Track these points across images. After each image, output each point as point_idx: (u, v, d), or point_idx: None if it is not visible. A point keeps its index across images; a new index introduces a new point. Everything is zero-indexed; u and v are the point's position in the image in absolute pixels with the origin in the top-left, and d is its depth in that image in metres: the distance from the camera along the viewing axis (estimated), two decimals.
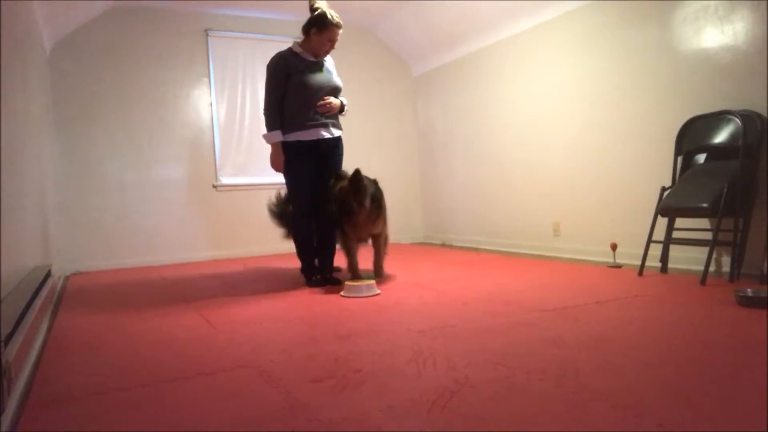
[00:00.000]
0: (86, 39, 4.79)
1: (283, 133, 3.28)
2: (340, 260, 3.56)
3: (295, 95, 3.24)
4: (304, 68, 3.26)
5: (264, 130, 3.33)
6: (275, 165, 3.32)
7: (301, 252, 3.43)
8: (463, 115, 5.41)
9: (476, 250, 5.11)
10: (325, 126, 3.31)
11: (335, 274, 3.51)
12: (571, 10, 4.12)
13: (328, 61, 3.43)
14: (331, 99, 3.29)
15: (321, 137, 3.29)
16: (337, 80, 3.40)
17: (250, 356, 1.92)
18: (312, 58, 3.32)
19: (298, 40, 3.37)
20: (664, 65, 3.47)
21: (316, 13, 3.23)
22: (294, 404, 1.45)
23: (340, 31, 3.28)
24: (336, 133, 3.38)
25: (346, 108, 3.45)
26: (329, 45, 3.29)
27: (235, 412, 1.42)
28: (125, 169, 4.94)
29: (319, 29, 3.23)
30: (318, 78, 3.28)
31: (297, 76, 3.24)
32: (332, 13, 3.23)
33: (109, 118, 4.88)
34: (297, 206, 3.37)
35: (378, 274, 3.47)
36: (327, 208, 3.23)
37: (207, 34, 5.23)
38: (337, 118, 3.42)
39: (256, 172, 5.38)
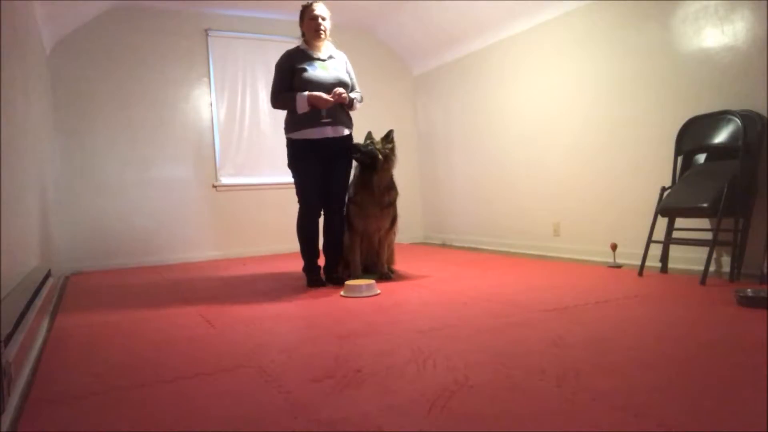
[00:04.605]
0: (86, 39, 4.79)
1: (290, 131, 3.30)
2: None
3: (300, 91, 3.24)
4: (307, 64, 3.26)
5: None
6: (325, 102, 3.17)
7: (305, 251, 3.43)
8: (464, 115, 5.41)
9: (476, 250, 5.11)
10: (332, 124, 3.27)
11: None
12: (571, 10, 4.12)
13: (339, 57, 3.41)
14: (339, 89, 3.22)
15: (327, 136, 3.27)
16: (343, 75, 3.34)
17: (250, 356, 1.92)
18: (317, 54, 3.32)
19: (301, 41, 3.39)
20: (664, 65, 3.47)
21: None
22: (294, 404, 1.45)
23: (320, 7, 3.29)
24: (344, 131, 3.34)
25: (355, 102, 3.38)
26: (315, 23, 3.27)
27: (235, 412, 1.42)
28: (125, 169, 4.94)
29: (302, 17, 3.33)
30: (321, 73, 3.27)
31: (300, 72, 3.24)
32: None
33: (109, 118, 4.88)
34: (303, 205, 3.36)
35: (382, 269, 3.48)
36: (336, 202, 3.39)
37: (207, 34, 5.23)
38: (346, 116, 3.38)
39: (256, 172, 5.39)
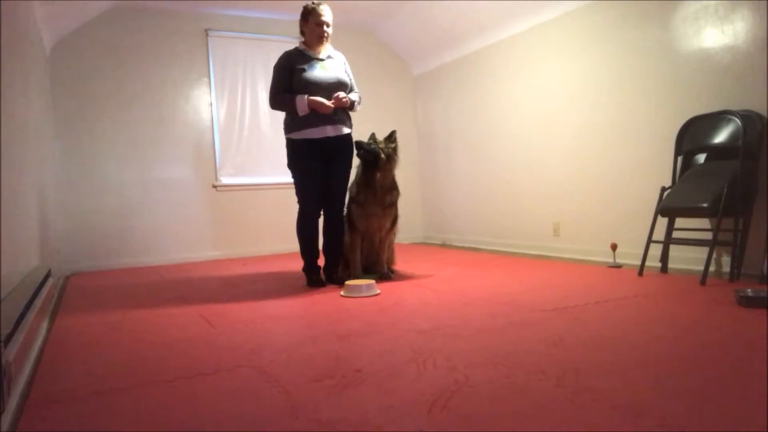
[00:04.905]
0: (86, 39, 4.79)
1: (290, 131, 3.30)
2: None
3: (299, 92, 3.24)
4: (306, 65, 3.25)
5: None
6: (326, 107, 3.16)
7: (305, 251, 3.42)
8: (463, 115, 5.41)
9: (476, 250, 5.11)
10: (332, 123, 3.26)
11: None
12: (571, 10, 4.12)
13: (337, 58, 3.40)
14: (341, 94, 3.23)
15: (327, 135, 3.27)
16: (342, 75, 3.34)
17: (250, 356, 1.92)
18: (316, 54, 3.31)
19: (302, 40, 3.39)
20: (664, 65, 3.47)
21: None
22: (294, 404, 1.45)
23: (326, 11, 3.27)
24: (344, 130, 3.34)
25: (356, 104, 3.38)
26: (319, 29, 3.26)
27: (235, 412, 1.42)
28: (125, 169, 4.94)
29: (305, 18, 3.30)
30: (320, 74, 3.26)
31: (299, 73, 3.24)
32: (313, 1, 3.28)
33: (109, 118, 4.88)
34: (303, 205, 3.36)
35: (382, 269, 3.49)
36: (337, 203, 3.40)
37: (207, 34, 5.23)
38: (346, 115, 3.38)
39: (256, 172, 5.39)
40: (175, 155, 5.12)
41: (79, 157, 4.78)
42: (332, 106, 3.18)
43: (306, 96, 3.18)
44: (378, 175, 3.37)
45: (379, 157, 3.37)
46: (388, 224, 3.49)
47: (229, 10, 5.22)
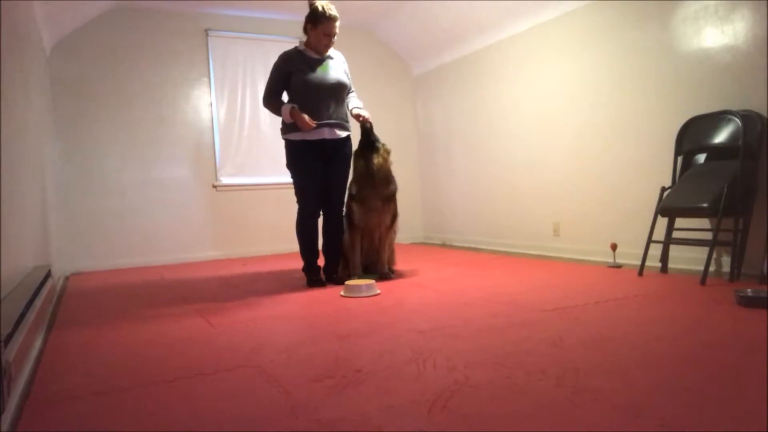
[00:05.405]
0: (86, 39, 4.79)
1: (288, 132, 3.30)
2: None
3: (298, 94, 3.25)
4: (305, 66, 3.25)
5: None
6: (305, 124, 3.17)
7: (305, 252, 3.43)
8: (463, 115, 5.41)
9: (476, 250, 5.11)
10: (329, 126, 3.28)
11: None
12: (571, 10, 4.12)
13: (337, 58, 3.40)
14: (363, 114, 3.31)
15: (324, 137, 3.28)
16: (342, 76, 3.34)
17: (250, 356, 1.92)
18: (316, 56, 3.31)
19: (303, 40, 3.38)
20: (664, 65, 3.47)
21: (310, 8, 3.25)
22: (294, 404, 1.45)
23: (337, 24, 3.25)
24: (341, 134, 3.35)
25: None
26: (326, 39, 3.26)
27: (235, 412, 1.42)
28: (125, 169, 4.94)
29: (314, 24, 3.24)
30: (319, 75, 3.26)
31: (298, 75, 3.24)
32: (324, 6, 3.21)
33: (109, 118, 4.88)
34: (303, 205, 3.37)
35: (382, 269, 3.48)
36: (336, 205, 3.41)
37: (207, 34, 5.23)
38: (344, 119, 3.38)
39: (256, 172, 5.39)
40: (175, 155, 5.12)
41: (79, 157, 4.78)
42: (313, 125, 3.18)
43: (290, 107, 3.20)
44: (375, 160, 3.36)
45: (378, 141, 3.42)
46: (387, 220, 3.48)
47: (229, 10, 5.22)
